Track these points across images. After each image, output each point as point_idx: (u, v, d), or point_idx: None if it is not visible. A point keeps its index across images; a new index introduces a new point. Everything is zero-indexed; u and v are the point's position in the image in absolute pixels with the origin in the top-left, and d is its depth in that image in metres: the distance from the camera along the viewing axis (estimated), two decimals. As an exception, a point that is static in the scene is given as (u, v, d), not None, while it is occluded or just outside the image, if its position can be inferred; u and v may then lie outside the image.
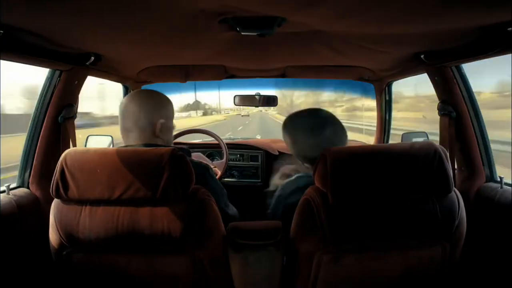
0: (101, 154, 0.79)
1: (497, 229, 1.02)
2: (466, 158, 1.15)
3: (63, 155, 0.80)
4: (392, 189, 0.77)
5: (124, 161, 0.77)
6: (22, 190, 1.10)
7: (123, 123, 0.93)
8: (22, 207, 1.02)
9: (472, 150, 1.14)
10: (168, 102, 0.97)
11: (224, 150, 1.75)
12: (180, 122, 17.36)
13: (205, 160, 1.72)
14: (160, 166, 0.76)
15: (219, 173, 1.68)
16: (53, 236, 0.81)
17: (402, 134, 1.65)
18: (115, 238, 0.78)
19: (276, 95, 1.87)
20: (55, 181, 0.79)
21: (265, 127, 15.74)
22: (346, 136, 0.96)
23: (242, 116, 29.45)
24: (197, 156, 1.73)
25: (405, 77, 1.57)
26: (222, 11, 0.76)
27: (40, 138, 1.13)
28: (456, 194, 0.81)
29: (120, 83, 1.72)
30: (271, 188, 1.12)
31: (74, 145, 1.20)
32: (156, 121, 0.91)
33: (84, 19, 0.77)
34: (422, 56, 1.11)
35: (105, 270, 0.81)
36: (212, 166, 1.70)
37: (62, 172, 0.78)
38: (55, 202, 0.82)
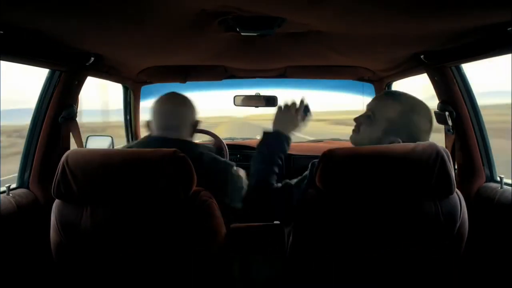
0: (103, 155, 0.79)
1: (497, 229, 1.02)
2: (466, 158, 1.15)
3: (64, 155, 0.80)
4: (393, 190, 0.77)
5: (126, 162, 0.77)
6: (22, 191, 1.09)
7: (163, 121, 1.01)
8: (22, 207, 1.01)
9: (472, 150, 1.14)
10: None
11: (225, 150, 1.75)
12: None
13: None
14: (161, 167, 0.75)
15: None
16: (54, 236, 0.81)
17: None
18: (116, 239, 0.78)
19: (276, 95, 1.86)
20: (56, 182, 0.78)
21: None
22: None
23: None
24: None
25: (405, 77, 1.56)
26: (222, 11, 0.76)
27: (40, 138, 1.13)
28: (458, 195, 0.80)
29: (120, 83, 1.72)
30: None
31: (79, 145, 1.20)
32: (197, 120, 1.07)
33: (84, 19, 0.77)
34: (422, 56, 1.11)
35: (105, 270, 0.81)
36: None
37: (64, 172, 0.77)
38: (56, 203, 0.81)
